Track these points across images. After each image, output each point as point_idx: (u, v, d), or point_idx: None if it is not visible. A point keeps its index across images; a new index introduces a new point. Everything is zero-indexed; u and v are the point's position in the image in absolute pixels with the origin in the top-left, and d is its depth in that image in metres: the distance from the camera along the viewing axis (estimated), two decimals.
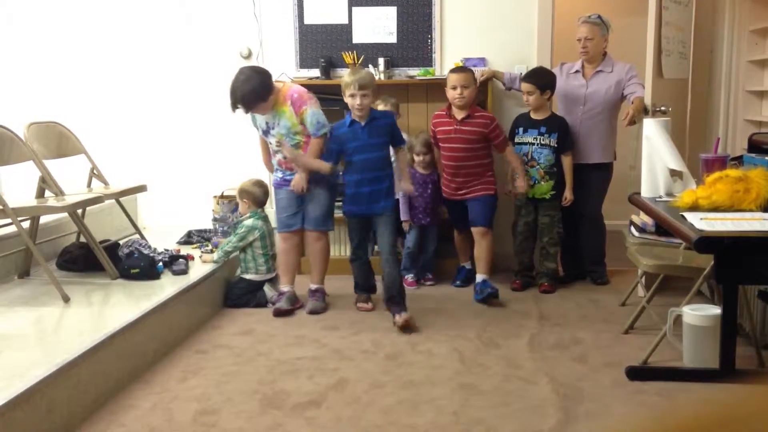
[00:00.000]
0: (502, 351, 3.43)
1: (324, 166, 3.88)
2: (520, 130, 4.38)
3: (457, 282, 4.51)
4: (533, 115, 4.35)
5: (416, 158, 4.46)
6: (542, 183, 4.33)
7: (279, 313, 3.95)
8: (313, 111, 3.92)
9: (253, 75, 3.81)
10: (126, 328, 3.11)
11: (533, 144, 4.32)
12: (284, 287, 4.12)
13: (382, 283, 3.88)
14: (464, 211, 4.29)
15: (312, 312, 3.99)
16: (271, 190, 4.35)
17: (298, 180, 3.94)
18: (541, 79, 4.29)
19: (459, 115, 4.18)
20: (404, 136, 4.10)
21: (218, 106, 5.02)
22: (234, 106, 3.86)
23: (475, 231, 4.25)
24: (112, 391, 2.96)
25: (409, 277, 4.51)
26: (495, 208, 4.31)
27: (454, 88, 4.14)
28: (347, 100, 3.82)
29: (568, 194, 4.35)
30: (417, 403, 2.85)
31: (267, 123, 3.99)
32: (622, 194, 3.90)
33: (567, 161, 4.33)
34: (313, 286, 4.12)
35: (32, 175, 3.95)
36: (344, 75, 3.88)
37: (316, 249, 4.12)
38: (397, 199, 4.17)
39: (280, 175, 4.12)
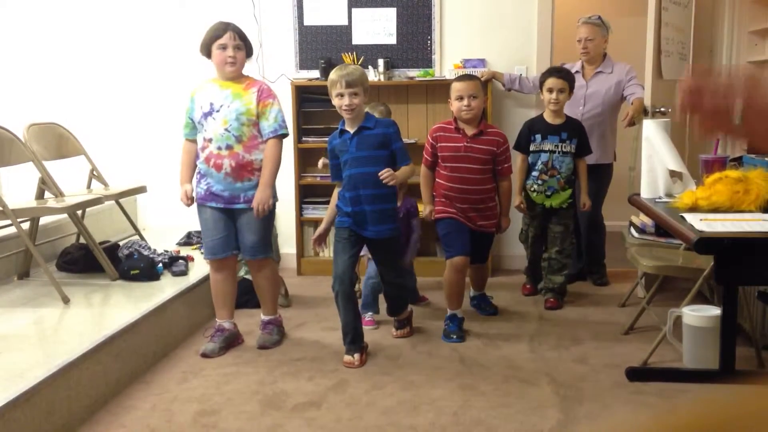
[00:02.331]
0: (502, 351, 3.43)
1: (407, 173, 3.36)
2: (538, 137, 3.97)
3: (489, 311, 4.03)
4: (551, 120, 3.98)
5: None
6: (561, 192, 4.00)
7: (206, 356, 3.40)
8: (279, 109, 3.39)
9: None
10: (126, 329, 3.11)
11: (554, 152, 3.96)
12: (223, 322, 3.54)
13: (385, 297, 3.65)
14: (468, 237, 3.70)
15: (262, 347, 3.50)
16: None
17: (264, 197, 3.32)
18: (572, 77, 3.98)
19: (469, 130, 3.62)
20: None
21: None
22: (212, 40, 3.33)
23: (474, 266, 3.89)
24: (112, 392, 2.96)
25: (367, 316, 3.80)
26: (493, 239, 3.99)
27: (460, 98, 3.57)
28: (335, 101, 3.28)
29: (585, 199, 4.07)
30: (417, 404, 2.85)
31: (212, 104, 3.34)
32: (621, 195, 3.89)
33: (583, 165, 4.05)
34: (266, 318, 3.59)
35: (32, 176, 3.96)
36: (331, 73, 3.32)
37: (260, 280, 3.54)
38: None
39: (204, 187, 3.38)
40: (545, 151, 3.99)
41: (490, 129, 3.71)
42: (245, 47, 3.40)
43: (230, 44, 3.32)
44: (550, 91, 3.93)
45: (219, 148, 3.32)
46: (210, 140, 3.34)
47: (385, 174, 3.20)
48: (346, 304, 3.30)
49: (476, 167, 3.63)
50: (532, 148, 4.02)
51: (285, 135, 3.40)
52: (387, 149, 3.30)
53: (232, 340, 3.55)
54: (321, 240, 3.51)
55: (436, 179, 3.73)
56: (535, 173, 4.02)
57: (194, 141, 3.45)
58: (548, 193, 4.01)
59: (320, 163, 4.39)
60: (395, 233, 3.44)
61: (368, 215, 3.29)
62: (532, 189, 4.05)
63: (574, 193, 4.07)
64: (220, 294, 3.54)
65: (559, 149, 3.97)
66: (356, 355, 3.27)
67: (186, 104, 3.47)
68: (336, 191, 3.47)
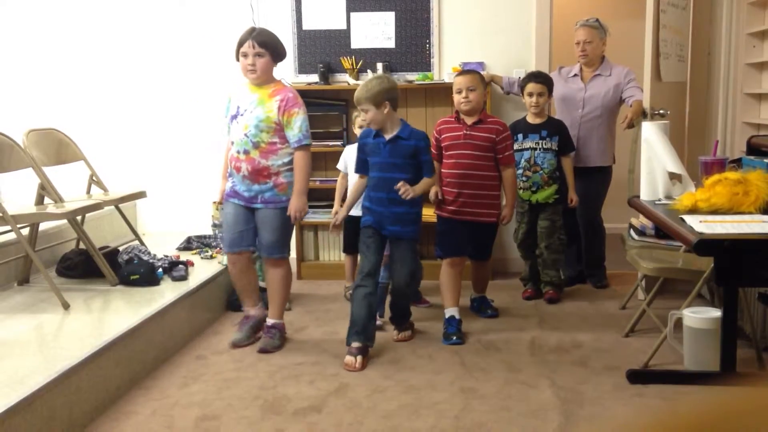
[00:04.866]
0: (502, 355, 3.42)
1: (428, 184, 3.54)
2: (520, 136, 4.18)
3: (489, 313, 4.04)
4: (532, 120, 4.20)
5: None
6: (546, 188, 4.15)
7: (235, 347, 3.55)
8: (304, 118, 3.48)
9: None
10: (126, 335, 3.11)
11: (535, 149, 4.15)
12: (249, 309, 3.69)
13: (390, 303, 3.69)
14: (463, 235, 3.79)
15: (263, 351, 3.49)
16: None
17: (299, 205, 3.46)
18: (550, 81, 4.20)
19: (469, 120, 3.77)
20: None
21: (217, 112, 5.03)
22: (240, 44, 3.46)
23: (476, 263, 4.01)
24: (113, 397, 2.95)
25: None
26: (495, 235, 4.00)
27: (460, 91, 3.74)
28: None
29: (572, 195, 4.19)
30: (418, 408, 2.84)
31: (238, 107, 3.48)
32: (621, 197, 3.90)
33: (568, 163, 4.20)
34: (270, 321, 3.61)
35: (31, 182, 3.95)
36: None
37: (273, 278, 3.58)
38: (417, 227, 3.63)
39: (230, 184, 3.55)
40: (527, 149, 4.18)
41: (490, 118, 3.84)
42: (269, 53, 3.47)
43: (250, 52, 3.43)
44: (531, 95, 4.14)
45: (238, 152, 3.47)
46: (233, 143, 3.52)
47: (401, 190, 3.36)
48: (364, 301, 3.37)
49: (475, 154, 3.74)
50: (515, 147, 4.13)
51: (309, 145, 3.51)
52: (416, 159, 3.47)
53: (259, 327, 3.66)
54: (338, 228, 3.67)
55: (442, 170, 3.84)
56: (519, 171, 4.16)
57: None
58: (533, 189, 4.18)
59: None
60: (415, 236, 3.56)
61: (392, 216, 3.46)
62: (519, 186, 4.16)
63: (561, 189, 4.18)
64: (240, 285, 3.69)
65: (540, 146, 4.16)
66: (359, 358, 3.27)
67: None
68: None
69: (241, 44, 3.46)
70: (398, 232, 3.47)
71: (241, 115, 3.47)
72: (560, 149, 4.17)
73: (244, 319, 3.69)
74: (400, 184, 3.37)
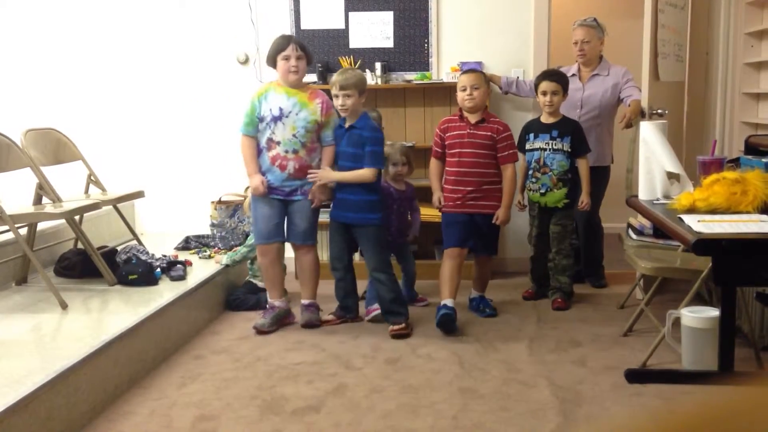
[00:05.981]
0: (501, 355, 3.42)
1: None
2: (531, 136, 4.12)
3: (487, 311, 4.05)
4: (545, 119, 4.11)
5: (392, 169, 4.05)
6: (555, 191, 4.05)
7: (257, 330, 3.76)
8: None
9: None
10: (124, 335, 3.11)
11: (545, 149, 4.06)
12: (274, 301, 3.89)
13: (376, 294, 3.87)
14: (466, 228, 3.89)
15: (307, 325, 3.83)
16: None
17: (321, 190, 3.76)
18: (564, 79, 4.10)
19: (473, 119, 3.85)
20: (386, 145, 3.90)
21: (215, 111, 5.03)
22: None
23: (479, 259, 4.05)
24: (111, 397, 2.95)
25: (373, 306, 3.94)
26: (499, 229, 4.04)
27: (464, 89, 3.83)
28: (333, 100, 3.73)
29: (585, 198, 4.12)
30: (416, 408, 2.84)
31: (281, 109, 3.66)
32: (619, 197, 3.90)
33: (583, 164, 4.10)
34: (306, 302, 3.92)
35: (29, 181, 3.95)
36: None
37: (306, 263, 3.89)
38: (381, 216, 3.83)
39: (267, 181, 3.74)
40: (537, 149, 4.11)
41: (492, 118, 3.93)
42: (306, 57, 3.76)
43: (293, 55, 3.68)
44: (544, 94, 4.06)
45: (286, 152, 3.70)
46: (278, 143, 3.70)
47: (310, 175, 3.70)
48: (337, 283, 3.91)
49: (478, 152, 3.84)
50: (527, 147, 4.14)
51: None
52: (363, 149, 3.69)
53: (282, 317, 3.88)
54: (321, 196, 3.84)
55: (446, 168, 3.93)
56: (530, 171, 4.14)
57: (253, 137, 3.73)
58: (542, 191, 4.09)
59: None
60: (375, 223, 3.77)
61: (350, 203, 3.74)
62: (529, 188, 4.16)
63: (571, 193, 4.10)
64: (269, 276, 3.88)
65: (550, 147, 4.07)
66: (330, 316, 3.91)
67: (248, 102, 3.74)
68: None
69: (282, 48, 3.68)
70: (357, 219, 3.75)
71: (286, 116, 3.67)
72: (574, 150, 4.06)
73: (269, 308, 3.87)
74: (311, 170, 3.70)
